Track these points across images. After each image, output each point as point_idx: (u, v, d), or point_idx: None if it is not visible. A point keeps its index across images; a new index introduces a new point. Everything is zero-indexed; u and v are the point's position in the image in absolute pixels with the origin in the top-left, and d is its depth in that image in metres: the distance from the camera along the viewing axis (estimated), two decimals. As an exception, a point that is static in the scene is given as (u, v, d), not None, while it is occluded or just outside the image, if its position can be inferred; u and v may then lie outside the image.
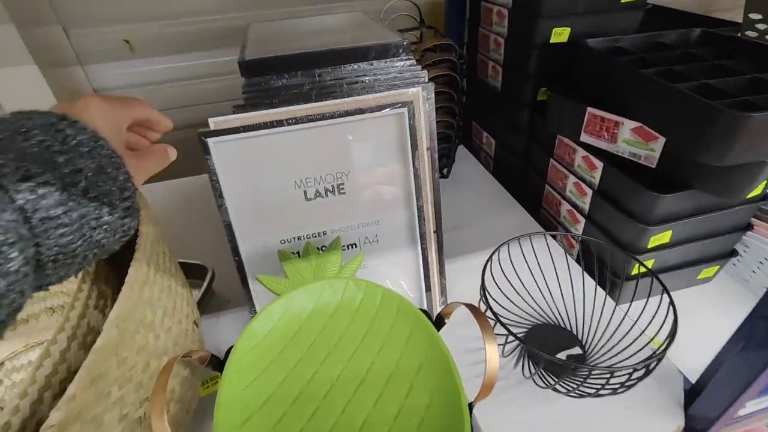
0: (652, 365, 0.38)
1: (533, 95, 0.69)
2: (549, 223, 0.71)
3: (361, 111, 0.41)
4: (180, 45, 0.85)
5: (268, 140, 0.41)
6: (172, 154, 0.34)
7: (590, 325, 0.50)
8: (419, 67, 0.47)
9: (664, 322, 0.42)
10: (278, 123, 0.40)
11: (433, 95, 0.44)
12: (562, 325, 0.52)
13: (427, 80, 0.45)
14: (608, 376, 0.39)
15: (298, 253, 0.47)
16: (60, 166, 0.22)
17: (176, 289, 0.36)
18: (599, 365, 0.45)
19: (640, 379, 0.39)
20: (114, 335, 0.27)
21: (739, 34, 0.57)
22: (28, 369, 0.42)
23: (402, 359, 0.36)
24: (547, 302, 0.54)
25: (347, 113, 0.40)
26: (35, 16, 0.73)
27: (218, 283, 0.60)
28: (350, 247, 0.48)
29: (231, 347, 0.40)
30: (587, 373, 0.40)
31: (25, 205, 0.19)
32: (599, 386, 0.40)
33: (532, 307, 0.54)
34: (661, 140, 0.48)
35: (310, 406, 0.34)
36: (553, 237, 0.65)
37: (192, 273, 0.60)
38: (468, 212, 0.73)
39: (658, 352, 0.38)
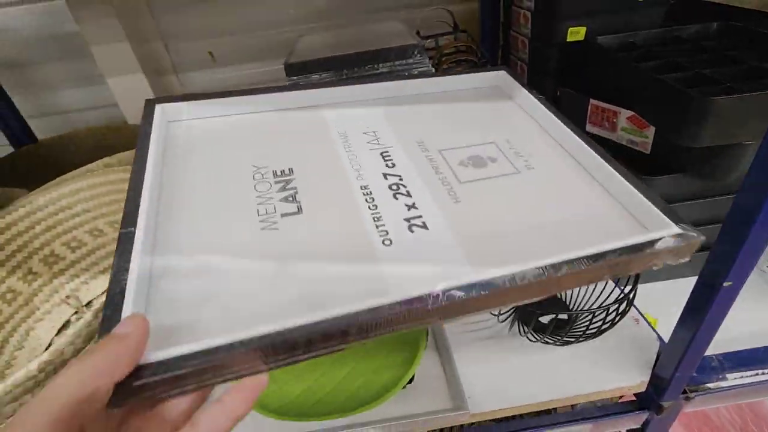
0: (621, 307, 0.44)
1: (553, 92, 0.74)
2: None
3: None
4: (253, 53, 1.01)
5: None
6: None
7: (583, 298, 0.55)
8: (429, 64, 0.56)
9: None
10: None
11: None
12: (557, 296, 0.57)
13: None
14: (589, 317, 0.45)
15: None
16: None
17: None
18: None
19: (612, 323, 0.45)
20: None
21: None
22: None
23: None
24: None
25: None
26: (143, 34, 0.93)
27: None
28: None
29: None
30: (568, 321, 0.46)
31: None
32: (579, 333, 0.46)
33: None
34: (653, 127, 0.52)
35: None
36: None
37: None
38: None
39: (625, 304, 0.43)
